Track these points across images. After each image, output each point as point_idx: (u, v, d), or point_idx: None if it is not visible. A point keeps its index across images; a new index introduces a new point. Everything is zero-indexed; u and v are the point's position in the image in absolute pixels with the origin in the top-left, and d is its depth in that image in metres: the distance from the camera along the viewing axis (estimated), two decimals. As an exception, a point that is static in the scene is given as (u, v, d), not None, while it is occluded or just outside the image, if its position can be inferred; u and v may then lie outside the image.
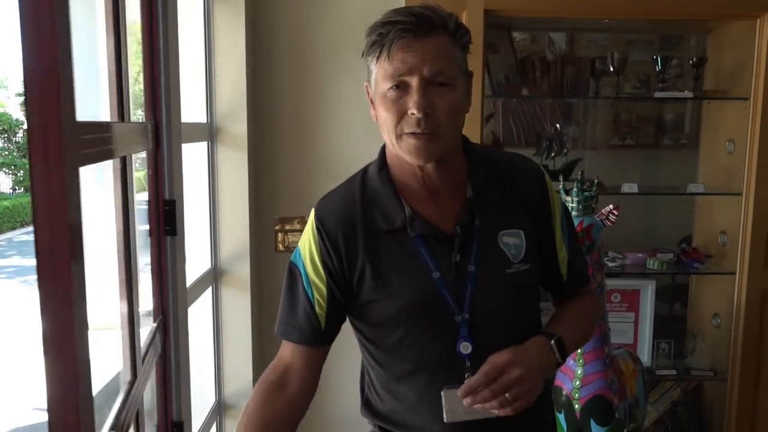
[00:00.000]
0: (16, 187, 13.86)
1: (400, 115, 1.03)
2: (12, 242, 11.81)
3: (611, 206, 1.83)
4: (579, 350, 1.95)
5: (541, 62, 2.50)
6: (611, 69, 2.41)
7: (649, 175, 2.77)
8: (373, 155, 1.18)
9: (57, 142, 0.74)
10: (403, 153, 1.06)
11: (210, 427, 2.20)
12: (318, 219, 1.13)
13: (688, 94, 2.50)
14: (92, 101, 1.39)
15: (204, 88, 2.17)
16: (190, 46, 2.09)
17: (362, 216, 1.11)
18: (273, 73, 2.32)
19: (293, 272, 1.14)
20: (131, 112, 1.75)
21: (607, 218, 1.83)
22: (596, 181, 1.90)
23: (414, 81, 1.01)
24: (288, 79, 2.32)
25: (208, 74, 2.18)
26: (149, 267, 1.57)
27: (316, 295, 1.12)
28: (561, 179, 1.94)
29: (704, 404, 2.72)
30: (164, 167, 1.65)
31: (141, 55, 1.54)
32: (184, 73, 1.76)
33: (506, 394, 1.00)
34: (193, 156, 2.15)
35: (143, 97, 1.59)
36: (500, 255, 1.11)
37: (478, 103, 2.22)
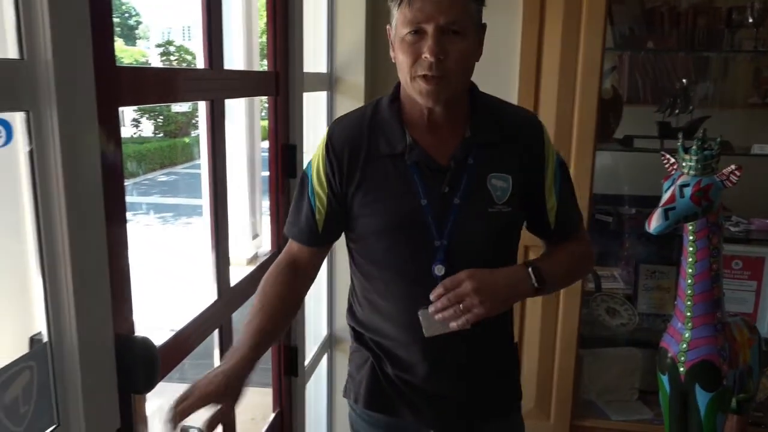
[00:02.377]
0: (157, 132, 14.97)
1: (415, 58, 1.11)
2: (154, 182, 12.87)
3: (733, 167, 1.74)
4: (688, 313, 1.90)
5: (670, 12, 2.36)
6: (750, 20, 2.23)
7: (788, 137, 2.56)
8: None
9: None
10: (414, 94, 1.15)
11: (321, 356, 2.38)
12: (329, 136, 1.25)
13: (838, 47, 2.27)
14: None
15: (325, 39, 2.27)
16: (313, -2, 2.19)
17: (368, 139, 1.22)
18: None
19: (303, 180, 1.27)
20: (258, 62, 1.86)
21: (728, 179, 1.74)
22: (718, 140, 1.80)
23: (430, 28, 1.09)
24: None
25: (330, 25, 2.27)
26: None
27: (317, 204, 1.24)
28: (680, 137, 1.86)
29: (830, 383, 2.56)
30: (285, 114, 1.77)
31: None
32: (308, 23, 1.85)
33: (460, 305, 1.09)
34: (314, 104, 2.27)
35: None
36: (486, 194, 1.19)
37: (598, 56, 2.16)
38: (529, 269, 1.17)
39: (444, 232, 1.18)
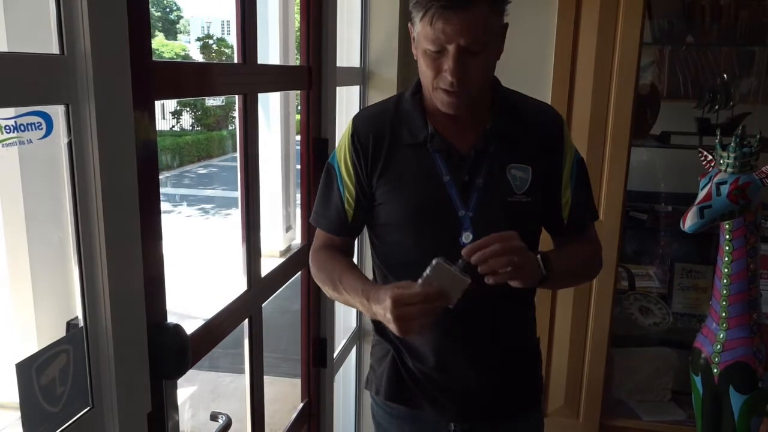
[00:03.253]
0: (195, 125, 15.22)
1: (437, 72, 1.13)
2: (192, 172, 13.09)
3: (773, 164, 1.70)
4: (723, 314, 1.87)
5: (711, 6, 2.30)
6: (795, 13, 2.17)
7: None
8: None
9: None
10: (436, 102, 1.18)
11: (350, 349, 2.41)
12: (354, 126, 1.28)
13: None
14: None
15: (359, 34, 2.28)
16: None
17: (391, 128, 1.25)
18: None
19: (330, 171, 1.30)
20: (294, 57, 1.88)
21: (767, 177, 1.70)
22: (758, 136, 1.76)
23: (451, 48, 1.09)
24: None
25: (364, 20, 2.28)
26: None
27: (347, 194, 1.27)
28: (717, 133, 1.82)
29: None
30: (318, 108, 1.79)
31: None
32: (342, 18, 1.85)
33: (515, 258, 1.05)
34: (346, 98, 2.29)
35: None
36: (505, 184, 1.20)
37: (635, 50, 2.12)
38: (538, 256, 1.16)
39: (470, 204, 1.19)
